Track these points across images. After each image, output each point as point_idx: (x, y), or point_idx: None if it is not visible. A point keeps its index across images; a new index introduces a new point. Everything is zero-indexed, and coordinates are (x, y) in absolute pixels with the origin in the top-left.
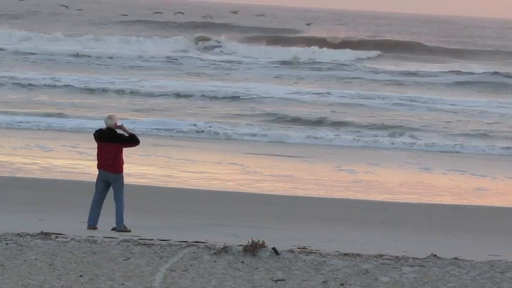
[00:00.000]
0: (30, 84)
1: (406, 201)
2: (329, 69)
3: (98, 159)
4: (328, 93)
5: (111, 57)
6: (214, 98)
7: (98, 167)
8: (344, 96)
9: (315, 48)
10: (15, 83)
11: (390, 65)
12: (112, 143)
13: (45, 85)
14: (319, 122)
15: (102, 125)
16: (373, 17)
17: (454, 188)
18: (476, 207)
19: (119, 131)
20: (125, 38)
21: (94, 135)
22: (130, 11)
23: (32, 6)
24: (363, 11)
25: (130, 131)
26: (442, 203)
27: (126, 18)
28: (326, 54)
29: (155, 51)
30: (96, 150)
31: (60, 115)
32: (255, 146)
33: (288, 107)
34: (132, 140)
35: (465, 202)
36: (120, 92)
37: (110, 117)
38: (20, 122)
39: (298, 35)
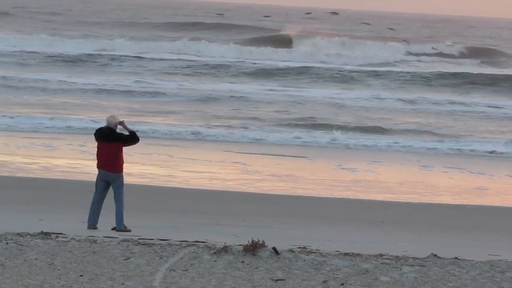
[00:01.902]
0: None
1: (406, 200)
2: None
3: (97, 158)
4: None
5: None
6: None
7: (97, 167)
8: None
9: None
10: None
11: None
12: (112, 142)
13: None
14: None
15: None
16: (379, 17)
17: (454, 188)
18: (477, 207)
19: (119, 130)
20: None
21: (94, 134)
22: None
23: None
24: (367, 10)
25: (130, 129)
26: (442, 202)
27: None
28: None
29: None
30: (96, 149)
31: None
32: (255, 146)
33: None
34: (132, 139)
35: (465, 202)
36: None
37: (112, 116)
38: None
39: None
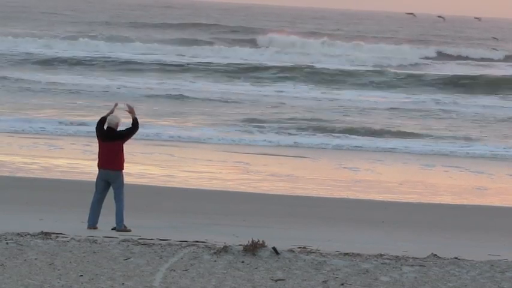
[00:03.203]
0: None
1: (406, 200)
2: None
3: (98, 158)
4: None
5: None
6: None
7: (98, 166)
8: None
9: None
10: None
11: None
12: (114, 141)
13: None
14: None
15: None
16: (384, 17)
17: (454, 188)
18: (476, 207)
19: (119, 128)
20: None
21: (96, 132)
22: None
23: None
24: (367, 11)
25: (134, 115)
26: (442, 202)
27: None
28: None
29: None
30: (98, 149)
31: None
32: (255, 146)
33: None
34: (131, 129)
35: (465, 201)
36: None
37: (114, 116)
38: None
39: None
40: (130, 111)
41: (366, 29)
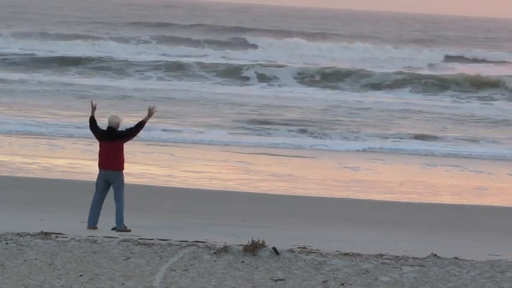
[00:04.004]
0: None
1: (406, 200)
2: None
3: (99, 158)
4: None
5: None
6: None
7: (99, 166)
8: None
9: None
10: None
11: None
12: (114, 140)
13: None
14: None
15: None
16: (386, 17)
17: (455, 188)
18: (476, 207)
19: (120, 127)
20: None
21: (92, 132)
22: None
23: None
24: (366, 10)
25: (144, 119)
26: (442, 202)
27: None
28: None
29: None
30: (99, 149)
31: None
32: (256, 146)
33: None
34: (133, 130)
35: (465, 201)
36: None
37: (114, 116)
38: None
39: None
40: (150, 113)
41: (369, 29)
